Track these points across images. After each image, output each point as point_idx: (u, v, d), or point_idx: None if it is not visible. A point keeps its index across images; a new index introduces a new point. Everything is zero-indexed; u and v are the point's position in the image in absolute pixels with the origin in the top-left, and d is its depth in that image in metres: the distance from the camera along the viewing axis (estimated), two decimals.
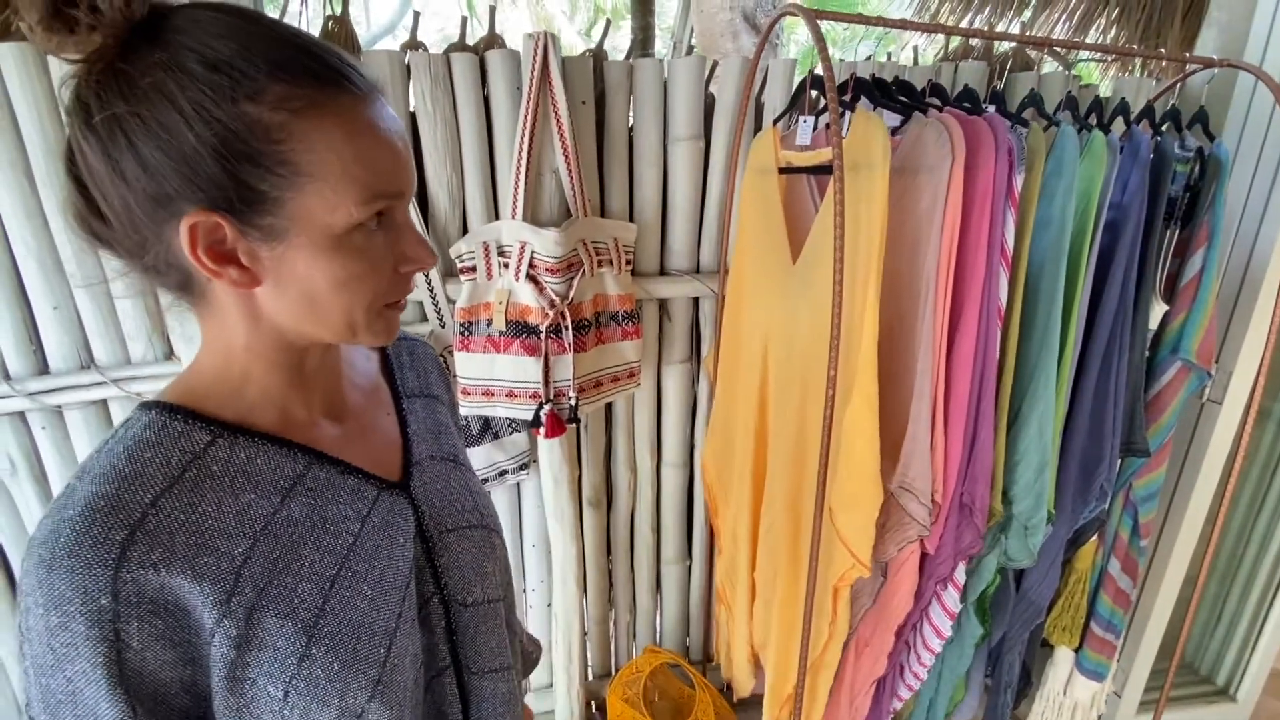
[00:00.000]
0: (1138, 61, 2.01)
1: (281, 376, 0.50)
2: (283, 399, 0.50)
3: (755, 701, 1.50)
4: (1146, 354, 1.33)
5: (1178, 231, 1.33)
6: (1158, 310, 1.32)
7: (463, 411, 1.34)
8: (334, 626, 0.47)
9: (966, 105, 1.19)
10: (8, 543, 1.36)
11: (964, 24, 2.53)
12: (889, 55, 1.55)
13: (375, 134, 0.43)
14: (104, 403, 1.32)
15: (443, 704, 0.57)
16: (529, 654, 0.81)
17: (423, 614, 0.55)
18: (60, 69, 1.14)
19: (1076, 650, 1.58)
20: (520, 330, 1.25)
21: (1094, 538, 1.45)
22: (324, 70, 0.42)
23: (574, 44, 7.94)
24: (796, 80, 1.36)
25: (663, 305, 1.48)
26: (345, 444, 0.54)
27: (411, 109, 1.24)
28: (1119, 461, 1.32)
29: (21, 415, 1.29)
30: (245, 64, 0.39)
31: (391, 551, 0.52)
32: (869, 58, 1.47)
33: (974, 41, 1.57)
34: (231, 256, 0.43)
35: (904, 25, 1.12)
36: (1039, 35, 2.43)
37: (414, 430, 0.61)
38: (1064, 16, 2.41)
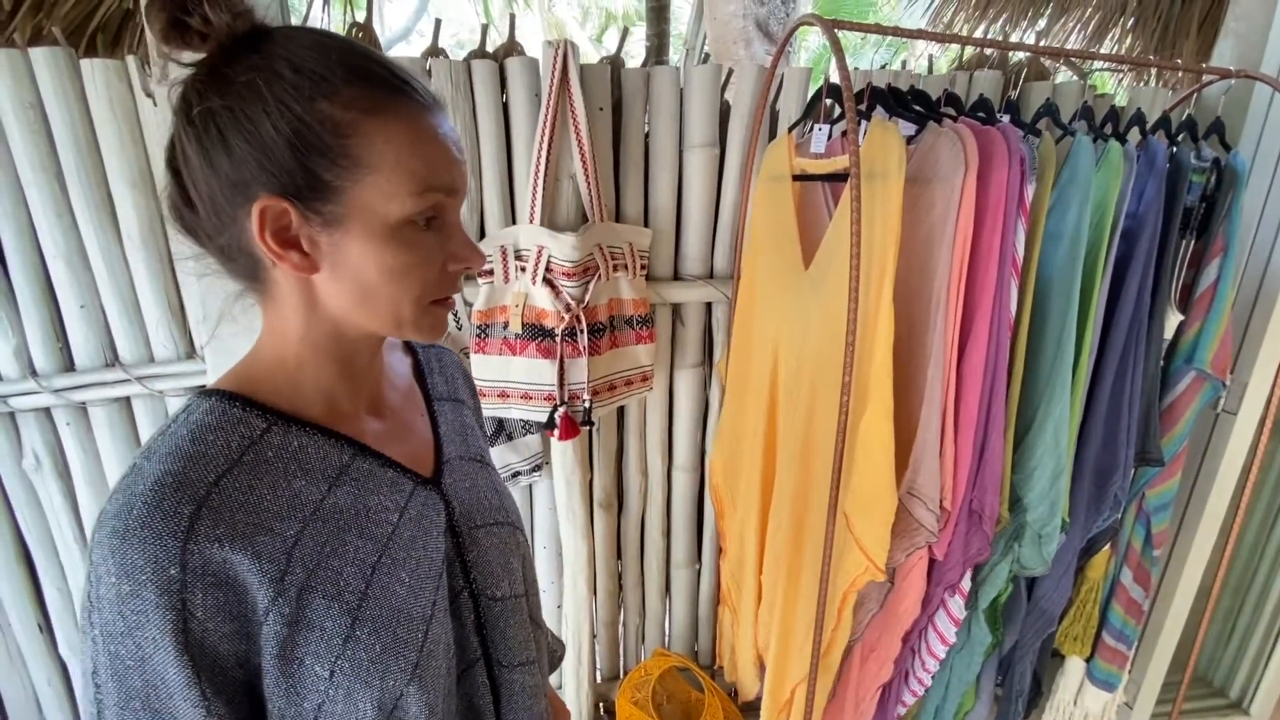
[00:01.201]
0: (1153, 71, 2.01)
1: (333, 369, 0.53)
2: (332, 391, 0.53)
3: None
4: (1161, 363, 1.33)
5: (1193, 241, 1.33)
6: (1173, 320, 1.32)
7: None
8: (375, 610, 0.50)
9: (981, 115, 1.20)
10: (30, 536, 1.39)
11: (979, 33, 2.54)
12: (903, 64, 1.55)
13: (433, 135, 0.48)
14: (127, 400, 1.35)
15: (474, 696, 0.60)
16: (553, 652, 0.82)
17: (454, 607, 0.57)
18: (93, 77, 1.17)
19: (1088, 660, 1.57)
20: (536, 333, 1.27)
21: (1107, 547, 1.45)
22: (393, 79, 0.47)
23: (585, 50, 8.00)
24: (811, 88, 1.37)
25: (676, 310, 1.50)
26: (385, 439, 0.57)
27: None
28: (1133, 470, 1.32)
29: (47, 411, 1.32)
30: (325, 69, 0.44)
31: (426, 543, 0.55)
32: (884, 66, 1.48)
33: (989, 51, 1.58)
34: (294, 242, 0.47)
35: (919, 35, 1.13)
36: (1054, 44, 2.43)
37: (444, 431, 0.64)
38: (1079, 26, 2.41)
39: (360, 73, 0.45)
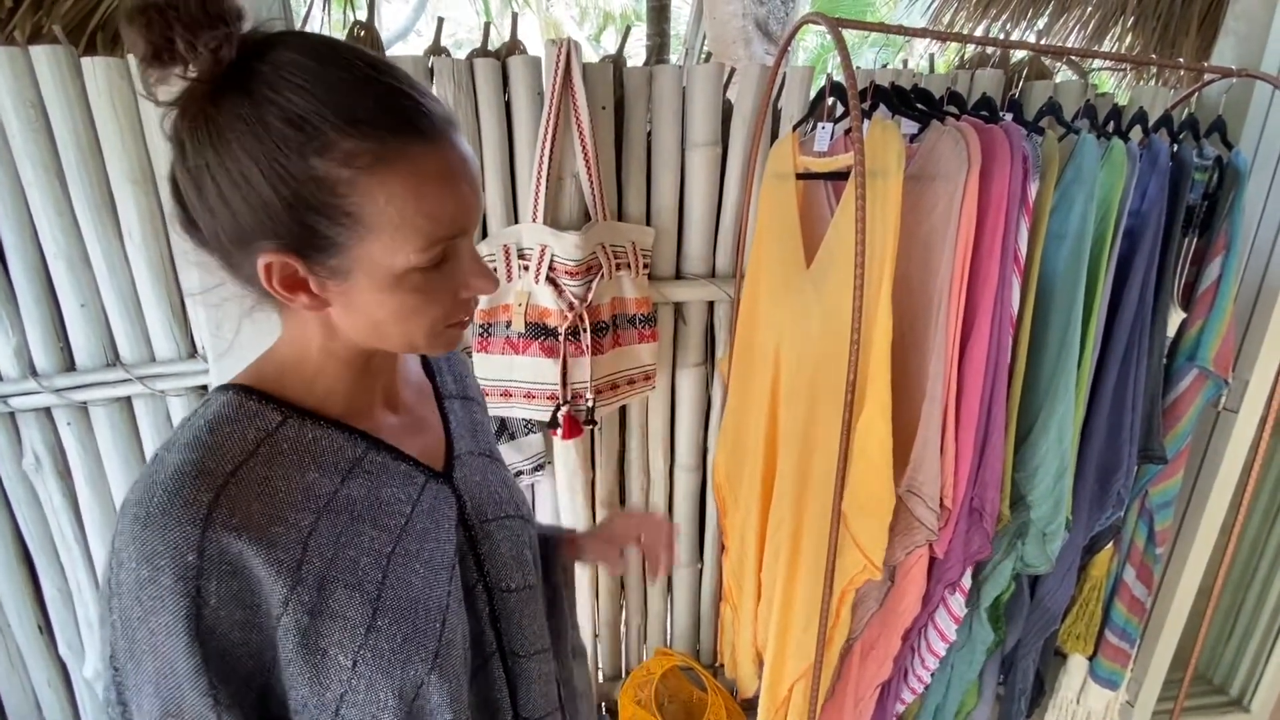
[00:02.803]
0: (1153, 70, 2.01)
1: (350, 372, 0.54)
2: (348, 391, 0.54)
3: None
4: (1164, 361, 1.33)
5: (1195, 239, 1.34)
6: (1175, 317, 1.32)
7: None
8: (394, 600, 0.51)
9: (984, 114, 1.20)
10: (30, 537, 1.38)
11: (979, 32, 2.54)
12: (905, 62, 1.55)
13: (440, 183, 0.45)
14: (128, 400, 1.34)
15: (491, 690, 0.60)
16: (578, 646, 0.84)
17: (468, 601, 0.58)
18: (94, 75, 1.16)
19: (1090, 658, 1.58)
20: (539, 332, 1.27)
21: (1109, 545, 1.45)
22: (394, 121, 0.43)
23: (583, 49, 7.97)
24: (813, 87, 1.37)
25: (678, 309, 1.49)
26: (400, 434, 0.58)
27: None
28: (1136, 468, 1.32)
29: (47, 411, 1.31)
30: (318, 119, 0.41)
31: (438, 535, 0.56)
32: (885, 65, 1.48)
33: (989, 50, 1.58)
34: (303, 285, 0.47)
35: (924, 34, 1.13)
36: (1054, 44, 2.44)
37: (455, 427, 0.64)
38: (1078, 25, 2.42)
39: (356, 118, 0.41)
